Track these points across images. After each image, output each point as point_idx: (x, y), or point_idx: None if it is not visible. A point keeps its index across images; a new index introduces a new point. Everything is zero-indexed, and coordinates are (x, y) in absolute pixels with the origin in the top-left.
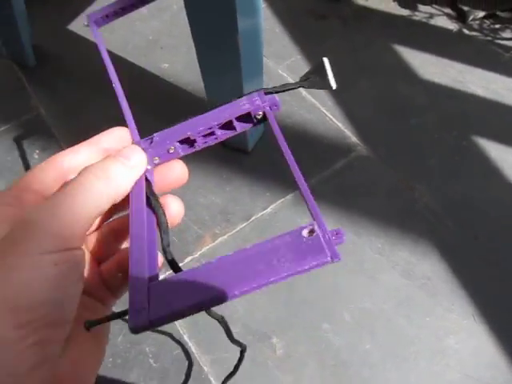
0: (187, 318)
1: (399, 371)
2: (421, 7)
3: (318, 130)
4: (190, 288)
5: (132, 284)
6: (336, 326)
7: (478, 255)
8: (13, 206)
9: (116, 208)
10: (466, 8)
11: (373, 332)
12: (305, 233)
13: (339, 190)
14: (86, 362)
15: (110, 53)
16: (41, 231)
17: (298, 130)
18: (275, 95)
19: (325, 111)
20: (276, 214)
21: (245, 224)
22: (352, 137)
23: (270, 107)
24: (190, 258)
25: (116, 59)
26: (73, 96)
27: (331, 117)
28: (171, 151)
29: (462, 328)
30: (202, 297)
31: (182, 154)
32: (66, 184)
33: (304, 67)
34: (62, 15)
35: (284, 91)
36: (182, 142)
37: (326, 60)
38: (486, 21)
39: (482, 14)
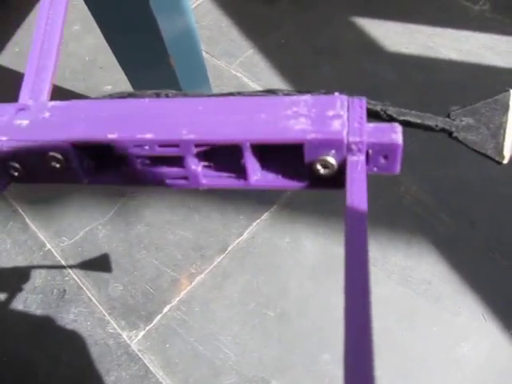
0: None
1: None
2: None
3: None
4: None
5: None
6: (337, 354)
7: (478, 244)
8: None
9: None
10: None
11: (377, 354)
12: None
13: (318, 199)
14: None
15: None
16: None
17: None
18: (396, 127)
19: None
20: (253, 238)
21: (222, 256)
22: None
23: (372, 150)
24: (168, 308)
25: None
26: None
27: None
28: None
29: (472, 331)
30: None
31: None
32: None
33: (259, 62)
34: None
35: (416, 127)
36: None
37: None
38: None
39: None
